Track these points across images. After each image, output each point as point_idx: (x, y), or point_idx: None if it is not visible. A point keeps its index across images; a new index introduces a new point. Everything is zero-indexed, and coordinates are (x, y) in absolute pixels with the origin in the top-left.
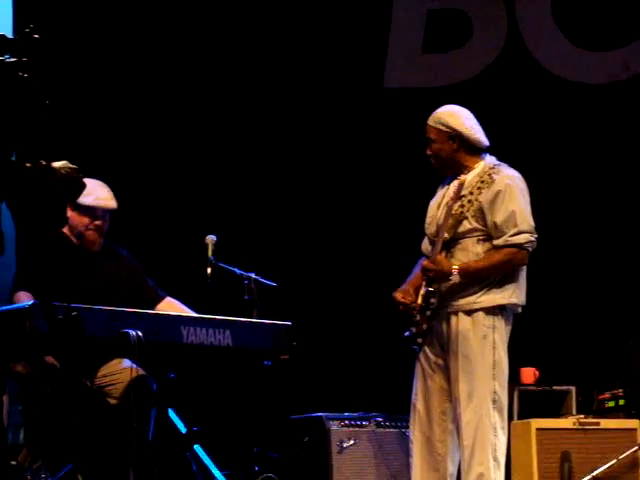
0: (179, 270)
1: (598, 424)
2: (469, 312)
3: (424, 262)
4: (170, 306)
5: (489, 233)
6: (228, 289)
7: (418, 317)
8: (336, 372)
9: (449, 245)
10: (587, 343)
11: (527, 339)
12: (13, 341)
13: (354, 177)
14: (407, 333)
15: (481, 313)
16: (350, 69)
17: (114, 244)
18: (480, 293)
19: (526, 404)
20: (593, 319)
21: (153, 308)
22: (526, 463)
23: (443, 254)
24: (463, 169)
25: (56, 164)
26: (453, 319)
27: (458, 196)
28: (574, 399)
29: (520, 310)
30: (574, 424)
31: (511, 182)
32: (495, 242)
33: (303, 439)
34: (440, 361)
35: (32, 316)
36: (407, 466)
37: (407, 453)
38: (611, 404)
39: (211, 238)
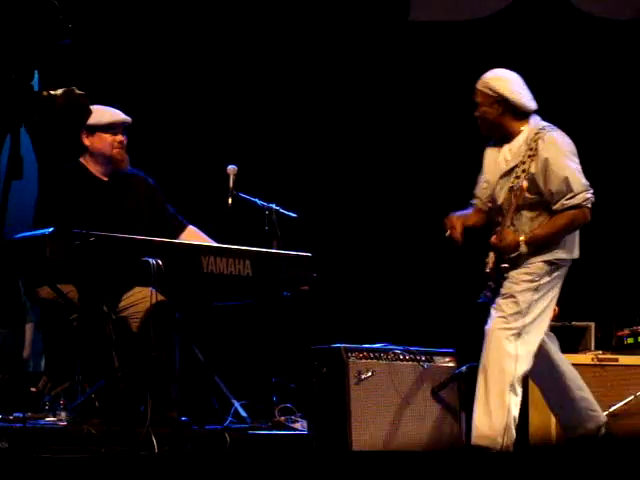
0: (200, 200)
1: (617, 360)
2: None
3: (492, 239)
4: (192, 236)
5: (547, 200)
6: (249, 220)
7: (493, 285)
8: (355, 304)
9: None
10: (607, 279)
11: None
12: (34, 267)
13: (377, 109)
14: (482, 299)
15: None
16: (375, 2)
17: (137, 170)
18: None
19: None
20: (613, 255)
21: (175, 237)
22: (543, 400)
23: (511, 229)
24: (508, 134)
25: (57, 91)
26: None
27: (510, 169)
28: (593, 335)
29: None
30: (592, 360)
31: (554, 148)
32: (553, 207)
33: (321, 370)
34: None
35: (52, 242)
36: (424, 399)
37: (423, 385)
38: (630, 341)
39: (232, 168)
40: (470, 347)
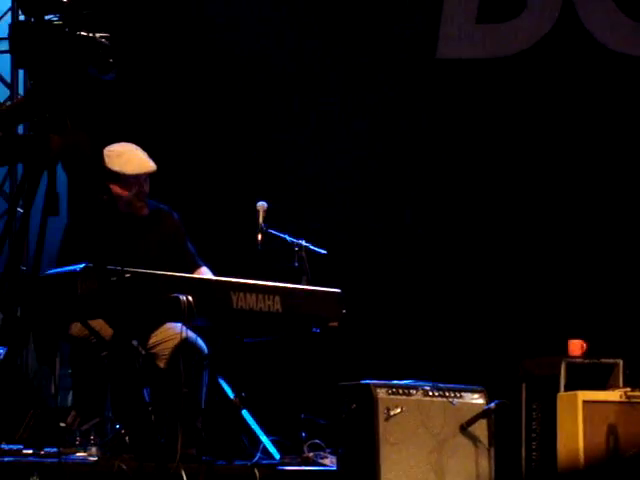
0: (230, 236)
1: None
2: None
3: None
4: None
5: None
6: (278, 256)
7: None
8: (385, 340)
9: None
10: (636, 315)
11: (575, 311)
12: (65, 304)
13: (405, 145)
14: None
15: None
16: (403, 39)
17: (162, 205)
18: None
19: (573, 376)
20: None
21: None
22: (572, 435)
23: None
24: None
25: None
26: None
27: None
28: (621, 372)
29: None
30: (621, 397)
31: None
32: None
33: (351, 406)
34: None
35: (83, 279)
36: (453, 435)
37: (451, 422)
38: None
39: (262, 205)
40: (500, 383)
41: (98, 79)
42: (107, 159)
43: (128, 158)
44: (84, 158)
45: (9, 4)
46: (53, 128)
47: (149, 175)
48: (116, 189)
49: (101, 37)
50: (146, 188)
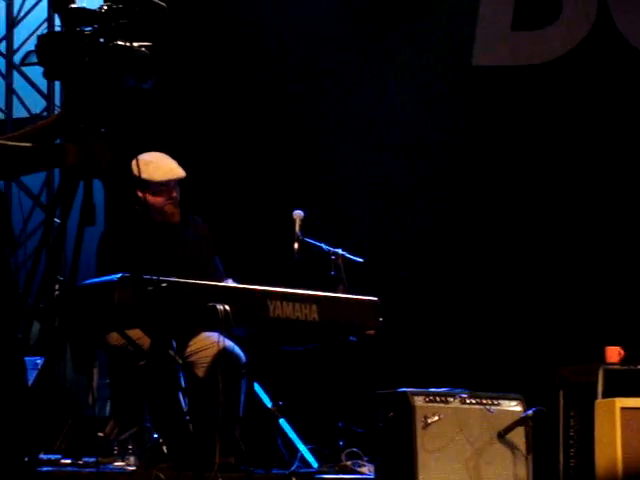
0: (267, 245)
1: None
2: None
3: None
4: None
5: None
6: (315, 264)
7: None
8: (422, 348)
9: None
10: None
11: (612, 318)
12: (102, 313)
13: (442, 154)
14: None
15: None
16: (438, 46)
17: (190, 213)
18: None
19: (611, 383)
20: None
21: None
22: (610, 442)
23: None
24: None
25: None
26: None
27: None
28: None
29: None
30: None
31: None
32: None
33: (388, 414)
34: None
35: (121, 288)
36: (491, 443)
37: (489, 429)
38: None
39: (299, 213)
40: (537, 391)
41: (136, 88)
42: (135, 168)
43: (156, 165)
44: (101, 166)
45: (45, 15)
46: (71, 137)
47: (179, 182)
48: (147, 197)
49: (140, 46)
50: (176, 195)
